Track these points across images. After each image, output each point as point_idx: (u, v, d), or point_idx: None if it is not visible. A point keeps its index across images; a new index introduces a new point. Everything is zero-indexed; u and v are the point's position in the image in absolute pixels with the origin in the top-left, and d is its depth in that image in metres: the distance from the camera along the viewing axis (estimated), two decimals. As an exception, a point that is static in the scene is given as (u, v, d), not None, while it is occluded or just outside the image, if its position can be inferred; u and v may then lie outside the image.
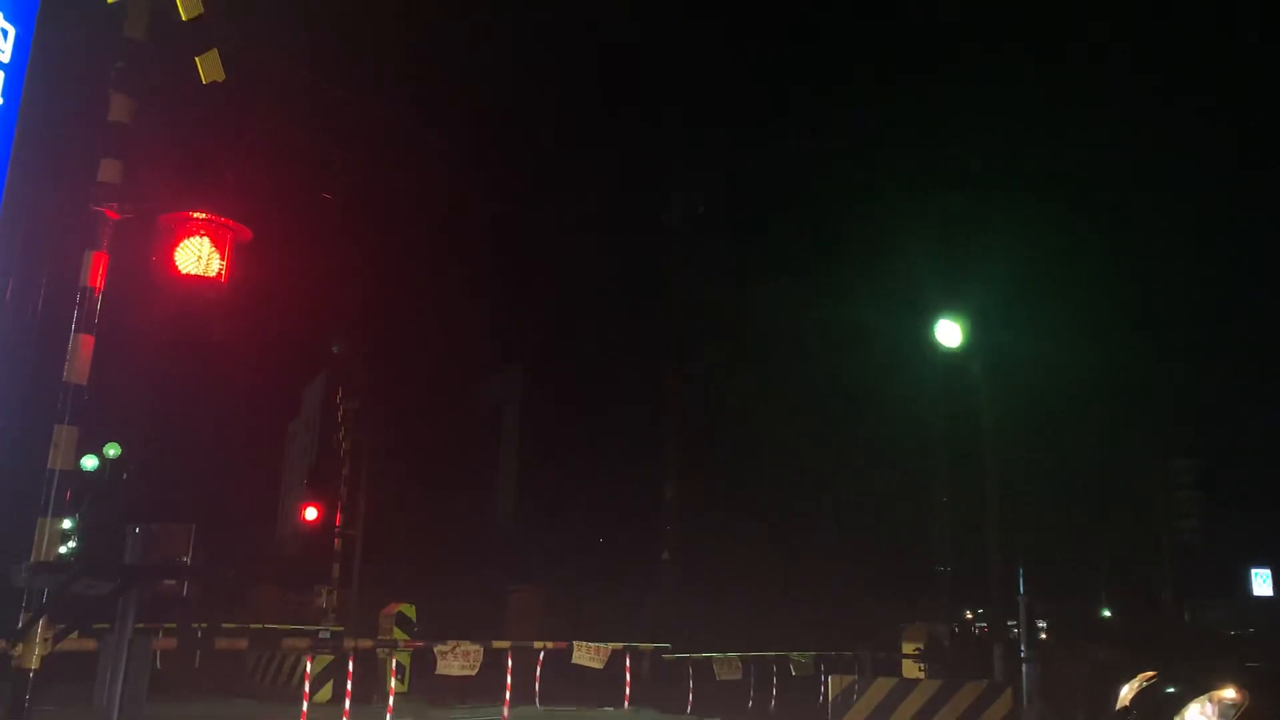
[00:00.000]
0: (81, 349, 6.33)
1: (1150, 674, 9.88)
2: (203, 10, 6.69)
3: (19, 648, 6.00)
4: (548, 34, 40.58)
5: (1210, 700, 8.24)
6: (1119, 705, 9.76)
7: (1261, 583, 30.49)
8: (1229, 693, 8.18)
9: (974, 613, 29.22)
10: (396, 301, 33.43)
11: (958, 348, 18.07)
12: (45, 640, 6.02)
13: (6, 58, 5.77)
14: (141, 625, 6.76)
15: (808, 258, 33.17)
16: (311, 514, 21.42)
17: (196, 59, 6.65)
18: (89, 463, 30.80)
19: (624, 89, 43.80)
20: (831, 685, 15.95)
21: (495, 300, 35.59)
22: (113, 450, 32.52)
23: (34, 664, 5.96)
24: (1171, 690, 8.99)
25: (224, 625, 18.67)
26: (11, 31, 5.75)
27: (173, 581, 6.75)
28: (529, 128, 44.84)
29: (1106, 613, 32.11)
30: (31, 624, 5.98)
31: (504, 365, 37.41)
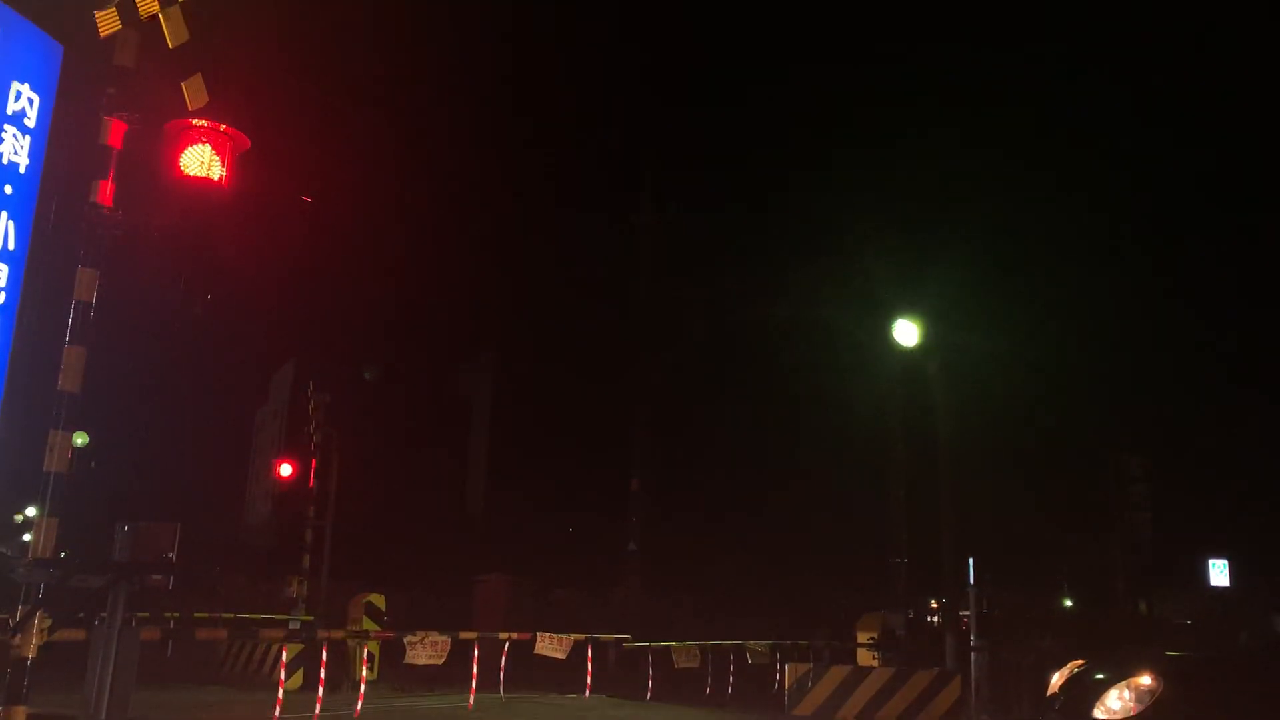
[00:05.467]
0: (75, 360, 6.74)
1: (1080, 662, 10.46)
2: (188, 38, 7.09)
3: (18, 638, 6.41)
4: (528, 38, 40.94)
5: (1128, 686, 8.81)
6: (1049, 692, 10.31)
7: (1218, 573, 31.13)
8: (1145, 679, 8.76)
9: (939, 602, 29.87)
10: (369, 296, 33.72)
11: (915, 347, 18.68)
12: (42, 631, 6.44)
13: (33, 123, 6.25)
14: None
15: (773, 259, 33.87)
16: (283, 504, 21.75)
17: (182, 85, 7.06)
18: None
19: (599, 89, 44.33)
20: (788, 673, 16.52)
21: (466, 296, 35.99)
22: (80, 439, 32.31)
23: (31, 653, 6.37)
24: (1096, 677, 9.56)
25: (196, 615, 18.97)
26: (36, 100, 6.22)
27: (159, 576, 7.17)
28: (506, 132, 45.20)
29: (1068, 603, 32.87)
30: (29, 616, 6.39)
31: (474, 359, 37.78)
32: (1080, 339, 32.37)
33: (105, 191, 6.92)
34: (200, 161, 7.07)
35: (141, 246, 7.38)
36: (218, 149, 7.09)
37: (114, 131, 6.93)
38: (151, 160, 7.00)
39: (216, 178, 7.13)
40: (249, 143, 7.28)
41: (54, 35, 6.61)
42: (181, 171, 7.03)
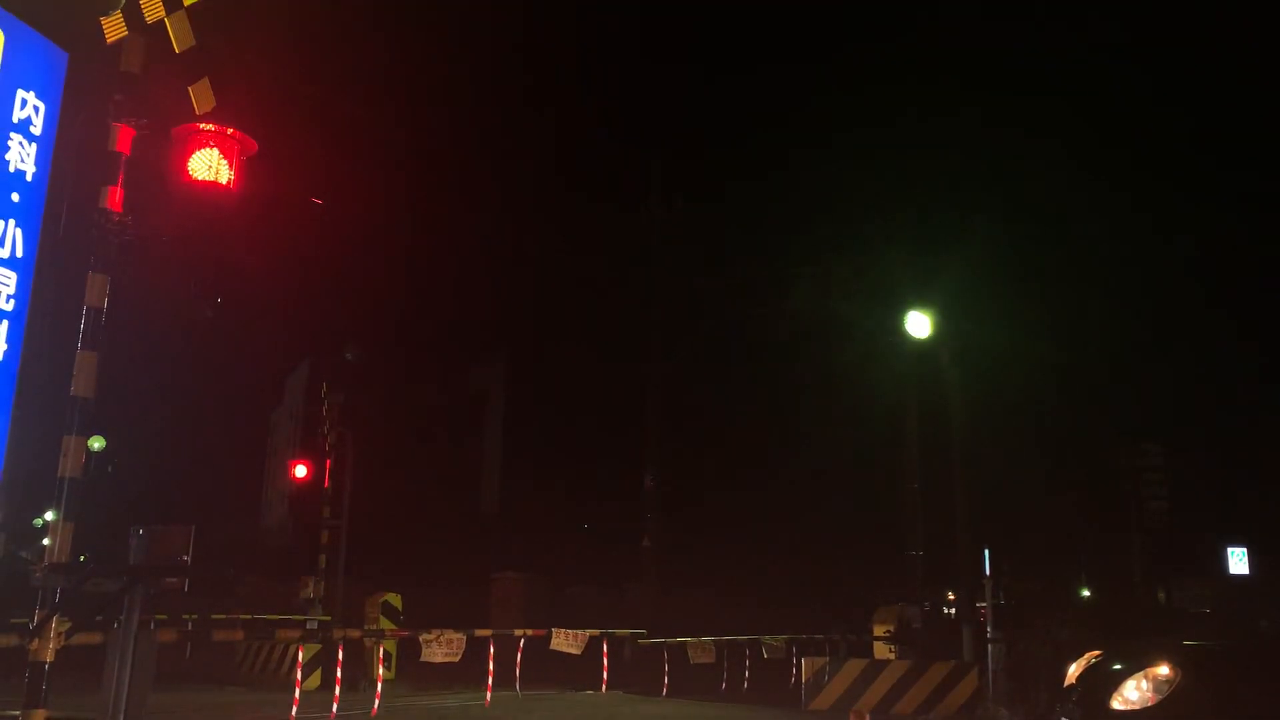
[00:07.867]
0: (87, 365, 6.79)
1: (1096, 652, 10.41)
2: (194, 42, 7.12)
3: (36, 642, 6.46)
4: (537, 34, 40.99)
5: (1146, 677, 8.76)
6: (1066, 683, 10.27)
7: (1238, 560, 30.90)
8: (1163, 669, 8.71)
9: (956, 594, 29.71)
10: (382, 295, 33.80)
11: (927, 338, 18.63)
12: (59, 635, 6.49)
13: (39, 131, 6.30)
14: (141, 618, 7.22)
15: (784, 252, 33.75)
16: (299, 504, 21.86)
17: (189, 89, 7.08)
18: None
19: (609, 85, 44.33)
20: (804, 667, 16.48)
21: (480, 294, 36.04)
22: (97, 443, 32.41)
23: (49, 657, 6.42)
24: (1114, 668, 9.51)
25: (213, 616, 19.07)
26: (42, 107, 6.27)
27: (174, 579, 7.21)
28: (515, 125, 45.25)
29: (1086, 592, 32.71)
30: (46, 620, 6.44)
31: (487, 356, 37.80)
32: (1096, 325, 32.18)
33: (114, 197, 6.96)
34: (208, 165, 7.10)
35: (152, 251, 7.42)
36: (225, 153, 7.13)
37: (122, 137, 6.97)
38: (159, 165, 7.04)
39: (225, 181, 7.15)
40: (256, 146, 7.31)
41: (59, 42, 6.66)
42: (189, 176, 7.06)
